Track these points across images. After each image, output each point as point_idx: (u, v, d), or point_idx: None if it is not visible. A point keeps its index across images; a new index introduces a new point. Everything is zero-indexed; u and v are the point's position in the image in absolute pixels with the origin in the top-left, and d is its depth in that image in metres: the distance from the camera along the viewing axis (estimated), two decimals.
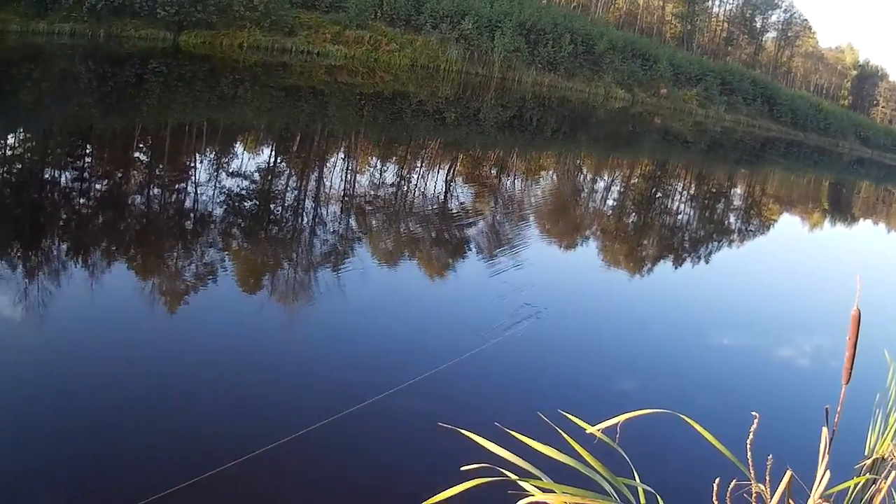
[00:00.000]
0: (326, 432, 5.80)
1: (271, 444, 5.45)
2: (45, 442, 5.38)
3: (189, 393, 6.41)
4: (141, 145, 16.33)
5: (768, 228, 25.21)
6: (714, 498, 3.02)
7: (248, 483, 5.21)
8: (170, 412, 6.00)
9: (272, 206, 13.56)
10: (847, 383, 3.06)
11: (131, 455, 5.41)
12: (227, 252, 10.28)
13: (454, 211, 15.98)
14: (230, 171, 15.12)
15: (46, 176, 12.49)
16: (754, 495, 2.99)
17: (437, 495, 2.68)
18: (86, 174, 12.97)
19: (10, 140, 14.45)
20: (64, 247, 9.36)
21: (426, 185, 18.14)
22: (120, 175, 13.49)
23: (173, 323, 7.80)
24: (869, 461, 3.52)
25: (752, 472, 2.91)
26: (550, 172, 26.45)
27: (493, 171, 23.36)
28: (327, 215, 13.39)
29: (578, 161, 30.83)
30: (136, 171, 14.03)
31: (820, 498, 2.93)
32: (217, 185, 13.60)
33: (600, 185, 26.34)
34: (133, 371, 6.57)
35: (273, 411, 6.35)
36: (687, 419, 3.08)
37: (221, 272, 9.38)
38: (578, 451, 2.87)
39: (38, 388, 6.11)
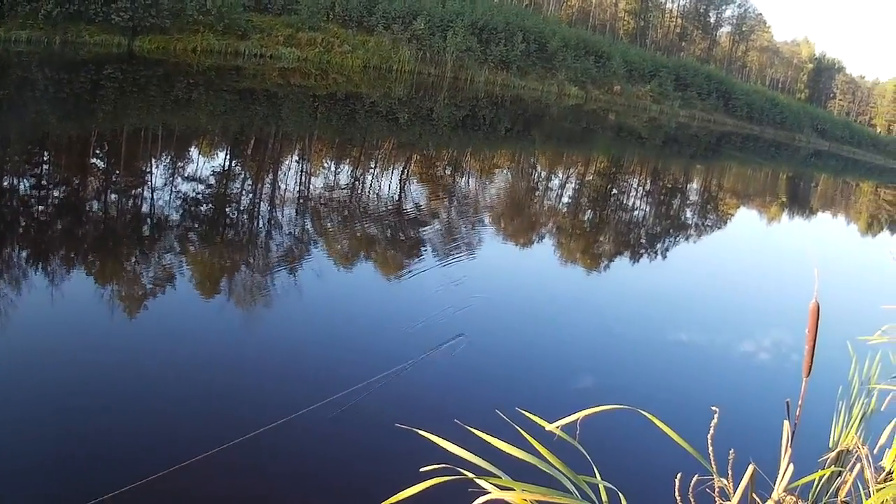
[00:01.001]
0: (282, 434, 5.73)
1: (227, 444, 5.37)
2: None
3: (143, 392, 6.31)
4: (97, 151, 16.10)
5: (726, 223, 25.40)
6: (676, 493, 2.98)
7: (202, 483, 5.15)
8: (117, 415, 5.89)
9: (227, 209, 13.40)
10: (808, 376, 3.03)
11: (84, 455, 5.33)
12: (182, 257, 10.10)
13: (408, 210, 15.90)
14: (185, 175, 14.93)
15: (4, 183, 12.27)
16: (717, 490, 2.95)
17: (396, 495, 2.60)
18: (43, 181, 12.76)
19: None
20: (33, 254, 9.16)
21: (380, 185, 18.06)
22: (77, 181, 13.29)
23: (113, 334, 7.65)
24: (833, 453, 3.50)
25: (713, 466, 2.87)
26: (504, 171, 26.48)
27: (448, 171, 23.31)
28: (281, 217, 13.27)
29: (532, 159, 30.91)
30: (92, 177, 13.82)
31: (784, 491, 2.90)
32: (172, 189, 13.41)
33: (555, 182, 26.41)
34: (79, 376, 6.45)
35: (228, 411, 6.25)
36: (647, 415, 3.03)
37: (175, 278, 9.22)
38: (538, 448, 2.81)
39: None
